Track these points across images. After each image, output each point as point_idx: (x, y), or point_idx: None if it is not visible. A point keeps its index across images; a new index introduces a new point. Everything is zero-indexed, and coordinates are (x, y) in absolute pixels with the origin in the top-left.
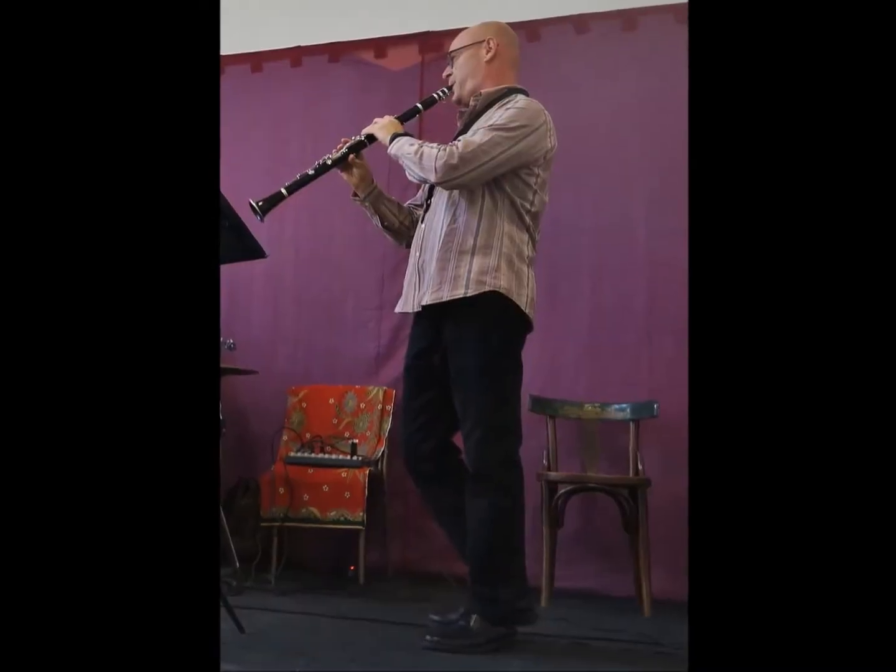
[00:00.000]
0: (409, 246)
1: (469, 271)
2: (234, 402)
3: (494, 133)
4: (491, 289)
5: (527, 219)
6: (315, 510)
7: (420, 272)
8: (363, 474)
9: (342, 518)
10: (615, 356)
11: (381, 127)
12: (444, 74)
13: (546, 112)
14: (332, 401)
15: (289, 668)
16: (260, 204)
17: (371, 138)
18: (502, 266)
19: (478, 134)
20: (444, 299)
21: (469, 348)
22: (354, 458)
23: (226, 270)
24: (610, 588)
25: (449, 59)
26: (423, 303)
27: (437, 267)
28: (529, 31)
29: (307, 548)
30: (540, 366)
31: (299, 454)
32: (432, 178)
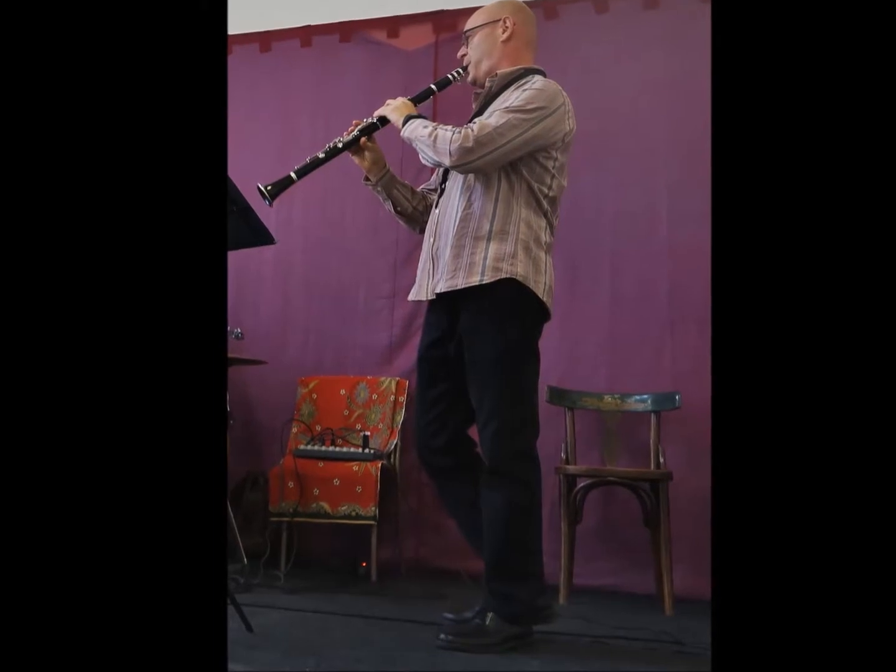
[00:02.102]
0: (422, 232)
1: (485, 258)
2: (241, 393)
3: (511, 115)
4: (507, 276)
5: (544, 203)
6: (325, 505)
7: (434, 259)
8: (375, 468)
9: (353, 513)
10: (636, 346)
11: (394, 109)
12: (459, 55)
13: (564, 93)
14: (343, 392)
15: (298, 667)
16: (269, 188)
17: (383, 121)
18: (519, 252)
19: (494, 116)
20: (459, 287)
21: (485, 337)
22: (366, 450)
23: (233, 257)
24: (630, 585)
25: (464, 38)
26: (438, 290)
27: (452, 253)
28: (547, 9)
29: (317, 544)
30: (558, 355)
31: (309, 447)
32: (447, 161)
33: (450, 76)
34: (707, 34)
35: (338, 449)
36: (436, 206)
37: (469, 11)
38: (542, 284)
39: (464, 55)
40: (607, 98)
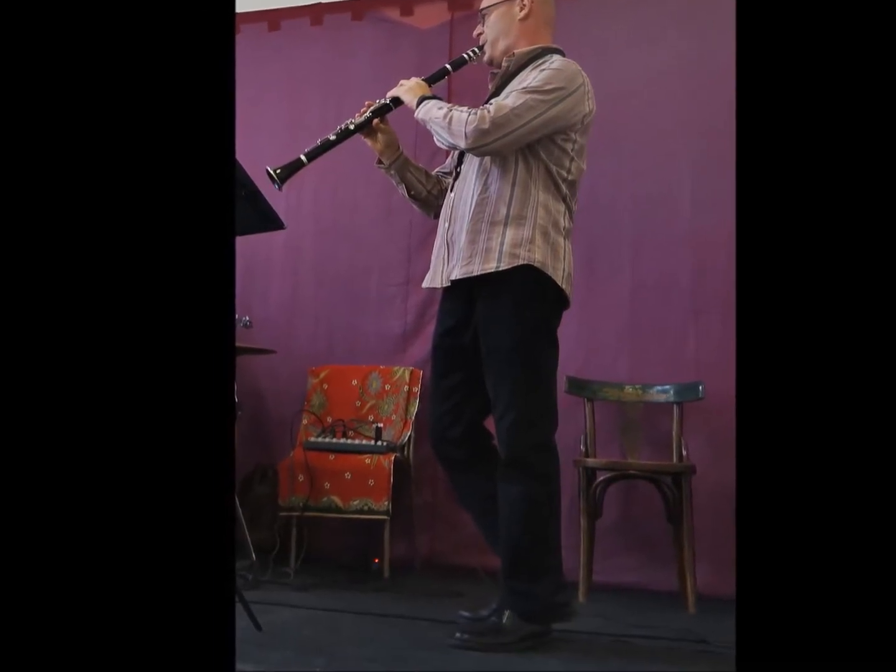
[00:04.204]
0: (437, 217)
1: (502, 243)
2: (250, 383)
3: (528, 96)
4: (525, 262)
5: (563, 187)
6: (337, 499)
7: (449, 244)
8: (388, 460)
9: (366, 507)
10: (658, 334)
11: (408, 89)
12: (475, 33)
13: (583, 73)
14: (355, 382)
15: (308, 667)
16: (278, 172)
17: (397, 102)
18: (537, 238)
19: (511, 97)
20: (475, 273)
21: (502, 326)
22: (379, 443)
23: (241, 243)
24: (652, 582)
25: (480, 16)
26: (453, 277)
27: (468, 239)
28: None
29: (328, 539)
30: (577, 345)
31: (320, 439)
32: (462, 144)
33: (465, 56)
34: (729, 13)
35: (349, 441)
36: (451, 190)
37: None
38: (560, 271)
39: (480, 34)
40: (627, 78)
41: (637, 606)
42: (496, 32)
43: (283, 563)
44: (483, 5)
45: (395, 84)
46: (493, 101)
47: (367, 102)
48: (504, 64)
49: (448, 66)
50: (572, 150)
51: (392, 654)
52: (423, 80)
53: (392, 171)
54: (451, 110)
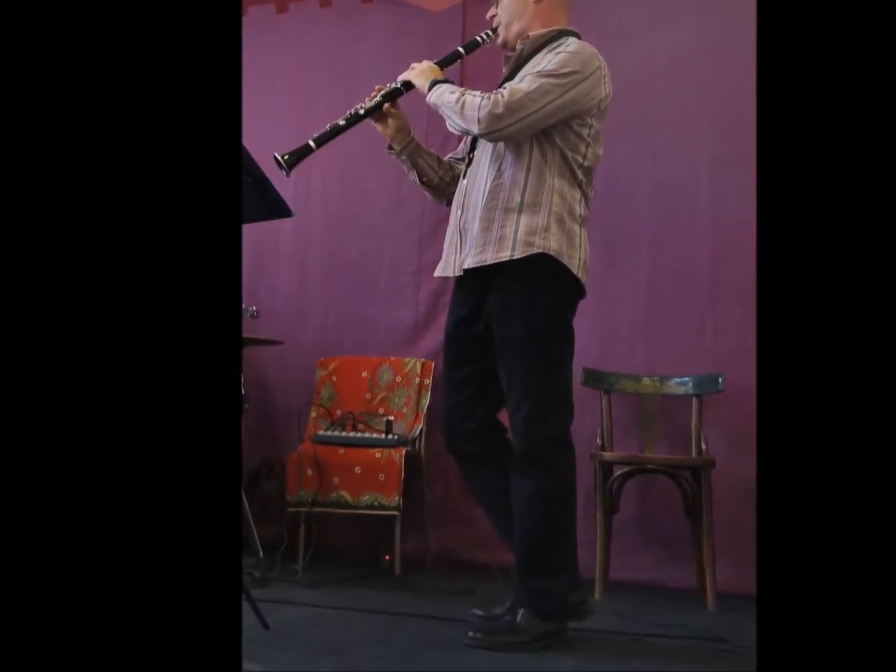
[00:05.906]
0: (449, 204)
1: (516, 231)
2: (257, 375)
3: (543, 80)
4: (540, 250)
5: (579, 174)
6: (346, 494)
7: (462, 232)
8: (399, 454)
9: (376, 503)
10: (676, 325)
11: (419, 73)
12: (489, 15)
13: (600, 57)
14: (365, 374)
15: (317, 667)
16: (286, 157)
17: (408, 86)
18: (552, 225)
19: (525, 81)
20: (489, 262)
21: (516, 316)
22: (390, 436)
23: (248, 231)
24: (670, 579)
25: None
26: (466, 266)
27: (481, 227)
28: None
29: (337, 535)
30: (594, 335)
31: (329, 433)
32: (475, 129)
33: (478, 38)
34: None
35: (359, 434)
36: (463, 177)
37: None
38: (576, 259)
39: (493, 16)
40: (645, 62)
41: (655, 604)
42: (510, 15)
43: (291, 560)
44: None
45: (406, 67)
46: (506, 85)
47: (377, 86)
48: (518, 47)
49: (461, 49)
50: (588, 135)
51: (402, 653)
52: (435, 63)
53: (403, 157)
54: (463, 94)
